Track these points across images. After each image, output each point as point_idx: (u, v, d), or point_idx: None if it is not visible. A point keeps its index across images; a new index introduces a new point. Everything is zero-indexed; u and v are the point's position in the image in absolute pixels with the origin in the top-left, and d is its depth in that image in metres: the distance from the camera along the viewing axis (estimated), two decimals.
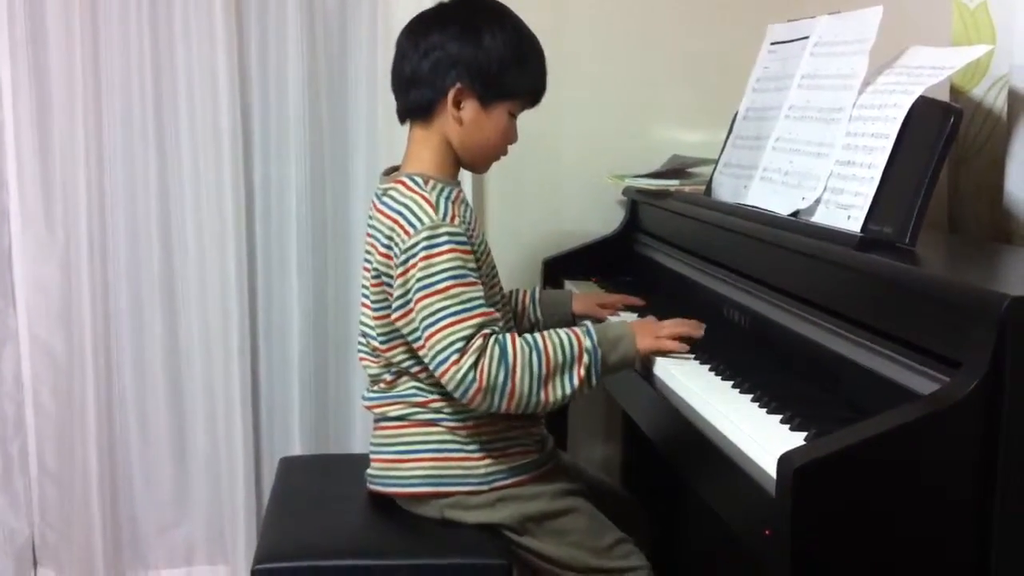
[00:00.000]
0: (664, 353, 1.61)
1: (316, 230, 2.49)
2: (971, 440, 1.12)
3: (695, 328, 1.65)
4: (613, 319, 1.91)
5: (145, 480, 2.53)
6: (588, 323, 1.62)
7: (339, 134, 2.50)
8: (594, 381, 1.56)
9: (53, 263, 2.41)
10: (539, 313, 1.96)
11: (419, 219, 1.56)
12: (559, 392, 1.54)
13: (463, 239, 1.57)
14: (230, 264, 2.43)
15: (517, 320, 1.93)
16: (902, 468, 1.11)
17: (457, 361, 1.50)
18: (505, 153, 1.74)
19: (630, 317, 1.89)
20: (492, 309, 1.57)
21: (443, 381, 1.54)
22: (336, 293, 2.53)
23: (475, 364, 1.49)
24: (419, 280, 1.54)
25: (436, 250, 1.54)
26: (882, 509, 1.10)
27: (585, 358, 1.54)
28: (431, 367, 1.55)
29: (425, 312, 1.53)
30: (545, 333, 1.57)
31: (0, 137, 2.38)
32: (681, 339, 1.63)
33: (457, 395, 1.54)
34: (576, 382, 1.54)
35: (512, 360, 1.51)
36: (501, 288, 1.76)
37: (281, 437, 2.56)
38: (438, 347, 1.52)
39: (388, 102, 1.71)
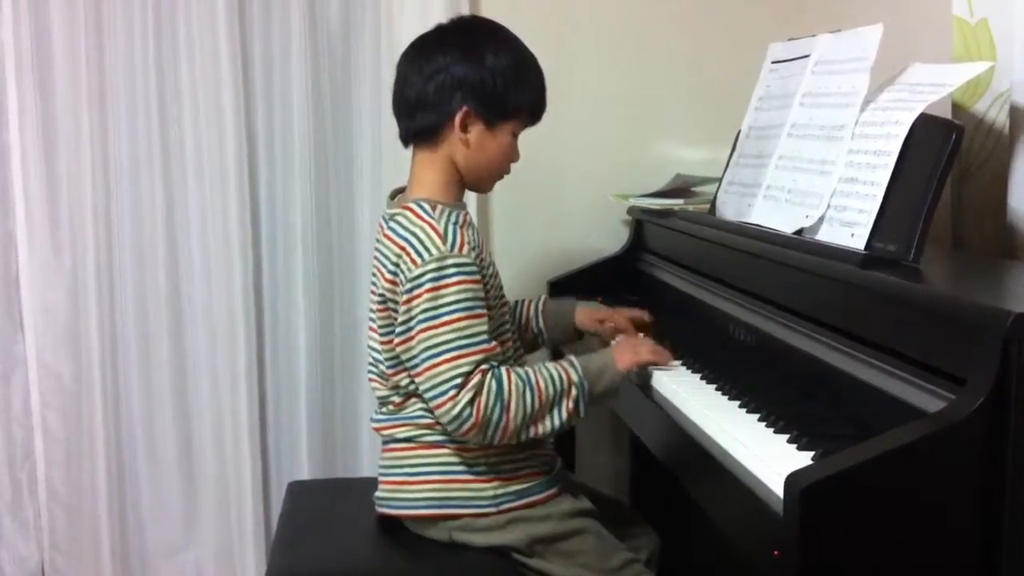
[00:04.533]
0: (644, 363, 1.69)
1: (322, 252, 2.50)
2: (978, 457, 1.12)
3: (667, 357, 1.72)
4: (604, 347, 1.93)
5: (154, 504, 2.53)
6: (572, 357, 1.64)
7: (344, 155, 2.51)
8: (582, 413, 1.60)
9: (60, 288, 2.42)
10: (542, 324, 1.96)
11: (427, 249, 1.56)
12: (549, 425, 1.58)
13: (472, 268, 1.57)
14: (236, 287, 2.44)
15: (521, 332, 1.94)
16: (909, 486, 1.11)
17: (454, 396, 1.52)
18: (508, 172, 1.75)
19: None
20: (494, 344, 1.58)
21: (437, 414, 1.56)
22: (342, 315, 2.54)
23: (472, 401, 1.52)
24: (424, 311, 1.54)
25: (443, 282, 1.54)
26: (890, 528, 1.10)
27: (573, 391, 1.58)
28: (426, 398, 1.57)
29: (427, 343, 1.54)
30: (536, 368, 1.60)
31: (7, 163, 2.39)
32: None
33: (451, 429, 1.56)
34: (565, 415, 1.58)
35: (507, 396, 1.53)
36: (508, 309, 1.77)
37: (289, 460, 2.56)
38: (436, 380, 1.54)
39: (392, 123, 1.72)
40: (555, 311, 1.99)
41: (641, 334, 1.78)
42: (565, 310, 2.00)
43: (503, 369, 1.55)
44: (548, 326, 1.96)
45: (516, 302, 1.95)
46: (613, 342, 1.76)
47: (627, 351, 1.67)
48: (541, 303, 1.98)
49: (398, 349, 1.60)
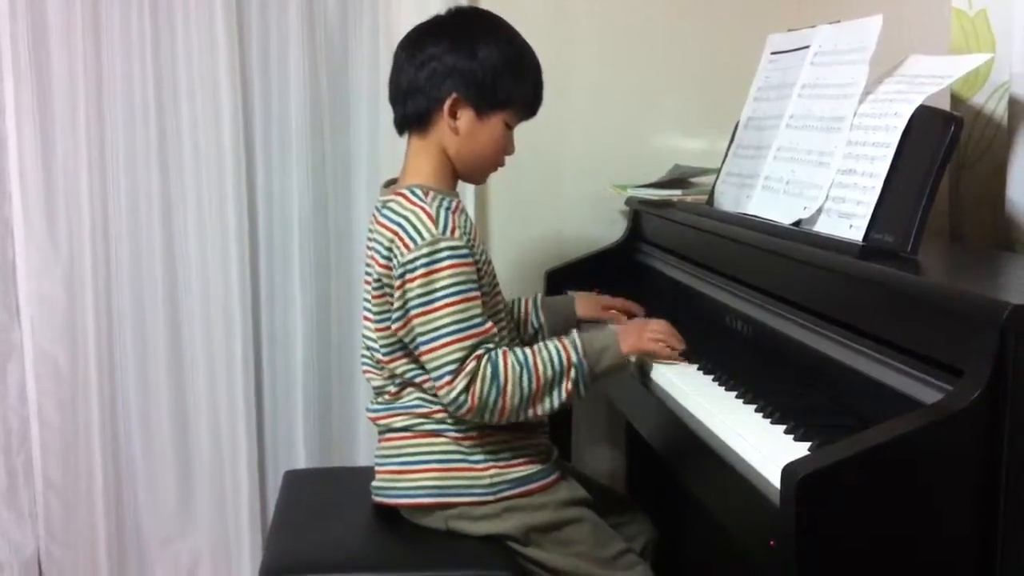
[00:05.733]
0: (647, 353, 1.67)
1: (319, 243, 2.50)
2: (975, 448, 1.12)
3: (679, 341, 1.69)
4: (611, 325, 1.92)
5: (150, 493, 2.53)
6: (575, 333, 1.65)
7: (341, 146, 2.50)
8: (582, 392, 1.61)
9: (57, 277, 2.42)
10: (542, 319, 1.96)
11: (419, 233, 1.57)
12: (547, 406, 1.59)
13: (464, 251, 1.58)
14: (233, 277, 2.43)
15: (520, 328, 1.94)
16: (906, 477, 1.11)
17: (450, 382, 1.54)
18: (502, 164, 1.75)
19: None
20: (489, 324, 1.58)
21: (439, 395, 1.58)
22: (339, 305, 2.54)
23: (467, 387, 1.54)
24: (418, 296, 1.55)
25: (437, 266, 1.55)
26: (886, 518, 1.11)
27: (572, 372, 1.59)
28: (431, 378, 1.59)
29: (422, 328, 1.56)
30: (536, 348, 1.60)
31: (3, 151, 2.38)
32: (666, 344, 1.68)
33: (451, 410, 1.59)
34: (564, 395, 1.60)
35: (503, 381, 1.55)
36: (502, 297, 1.77)
37: (285, 450, 2.56)
38: (434, 364, 1.56)
39: (390, 114, 1.73)
40: (554, 304, 2.00)
41: (641, 319, 1.77)
42: (565, 301, 2.01)
43: (499, 353, 1.56)
44: (548, 320, 1.96)
45: (512, 300, 1.95)
46: (611, 325, 1.76)
47: (632, 335, 1.67)
48: (538, 298, 1.99)
49: (399, 333, 1.61)
